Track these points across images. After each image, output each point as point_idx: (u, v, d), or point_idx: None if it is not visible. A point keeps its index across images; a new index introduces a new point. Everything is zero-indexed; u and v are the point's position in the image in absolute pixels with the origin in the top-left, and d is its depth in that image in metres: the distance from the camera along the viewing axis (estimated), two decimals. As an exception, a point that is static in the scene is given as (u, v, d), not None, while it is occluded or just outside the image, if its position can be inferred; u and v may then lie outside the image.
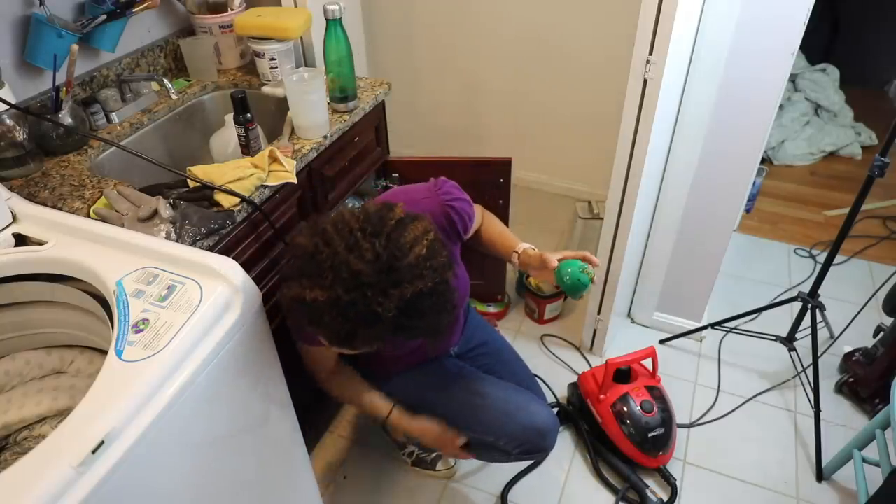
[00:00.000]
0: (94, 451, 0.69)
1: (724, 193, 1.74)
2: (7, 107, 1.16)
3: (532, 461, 1.67)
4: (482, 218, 1.36)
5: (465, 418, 1.33)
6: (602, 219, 1.75)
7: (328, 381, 1.31)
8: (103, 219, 1.10)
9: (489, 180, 1.77)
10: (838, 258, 1.79)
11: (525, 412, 1.31)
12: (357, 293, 0.86)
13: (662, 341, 2.05)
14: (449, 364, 1.42)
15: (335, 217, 0.94)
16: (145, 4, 1.45)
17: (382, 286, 0.86)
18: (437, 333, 0.97)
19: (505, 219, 1.86)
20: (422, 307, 0.89)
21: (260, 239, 1.32)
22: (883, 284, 1.92)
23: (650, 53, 1.36)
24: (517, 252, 1.27)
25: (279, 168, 1.29)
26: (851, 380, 1.84)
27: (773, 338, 1.92)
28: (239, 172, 1.22)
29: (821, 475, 1.66)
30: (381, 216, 0.93)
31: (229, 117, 1.38)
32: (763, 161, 2.94)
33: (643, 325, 2.12)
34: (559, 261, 1.17)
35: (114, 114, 1.45)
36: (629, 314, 2.15)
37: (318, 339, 1.08)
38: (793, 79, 3.18)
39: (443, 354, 1.43)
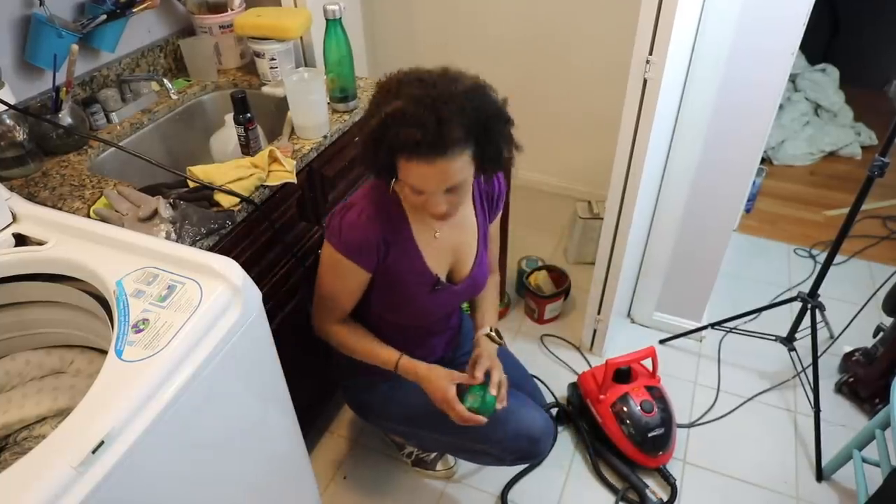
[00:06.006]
0: (93, 452, 0.69)
1: (723, 193, 1.74)
2: (7, 107, 1.16)
3: (528, 465, 1.67)
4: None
5: (455, 428, 1.28)
6: (602, 219, 1.75)
7: (338, 329, 1.28)
8: (103, 219, 1.10)
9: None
10: (838, 258, 1.79)
11: (515, 418, 1.29)
12: (426, 88, 1.00)
13: (662, 341, 2.05)
14: None
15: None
16: (145, 4, 1.44)
17: (446, 82, 1.02)
18: (505, 123, 1.12)
19: (505, 219, 1.86)
20: (484, 90, 1.08)
21: (260, 239, 1.32)
22: (883, 284, 1.91)
23: (650, 53, 1.36)
24: (477, 335, 1.35)
25: (279, 168, 1.29)
26: (851, 380, 1.84)
27: (773, 338, 1.92)
28: (239, 172, 1.22)
29: (821, 475, 1.66)
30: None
31: (229, 117, 1.38)
32: (763, 161, 2.94)
33: (643, 325, 2.12)
34: (468, 386, 1.23)
35: (114, 114, 1.45)
36: (629, 314, 2.15)
37: (362, 250, 1.16)
38: (793, 79, 3.18)
39: (435, 347, 1.42)
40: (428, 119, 0.96)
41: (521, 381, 1.46)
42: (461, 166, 1.03)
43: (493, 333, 1.34)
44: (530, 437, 1.31)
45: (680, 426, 1.78)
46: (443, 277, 1.27)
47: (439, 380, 1.22)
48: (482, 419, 1.20)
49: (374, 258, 1.17)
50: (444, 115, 0.97)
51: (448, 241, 1.25)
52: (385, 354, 1.28)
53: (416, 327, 1.34)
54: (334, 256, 1.17)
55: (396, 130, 0.98)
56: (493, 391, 1.21)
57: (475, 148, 1.04)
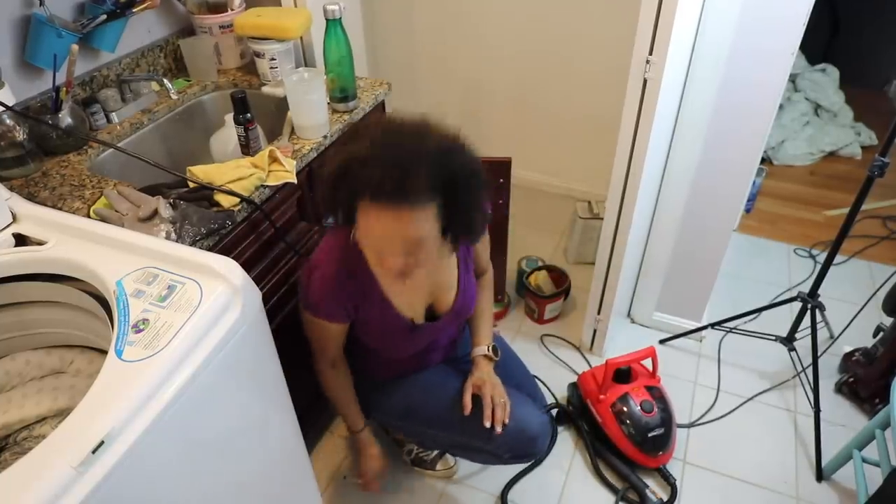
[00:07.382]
0: (93, 452, 0.69)
1: (723, 193, 1.74)
2: (5, 108, 1.16)
3: (526, 464, 1.67)
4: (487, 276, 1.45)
5: (452, 424, 1.32)
6: (602, 219, 1.75)
7: (327, 371, 1.33)
8: (103, 219, 1.10)
9: (489, 180, 1.76)
10: (838, 258, 1.79)
11: (513, 416, 1.29)
12: (396, 138, 0.99)
13: (662, 341, 2.05)
14: (438, 371, 1.42)
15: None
16: (145, 4, 1.44)
17: (419, 135, 0.99)
18: (479, 189, 1.06)
19: (505, 219, 1.86)
20: (460, 150, 1.02)
21: (260, 239, 1.32)
22: (883, 284, 1.91)
23: (650, 53, 1.36)
24: (473, 354, 1.38)
25: (279, 168, 1.29)
26: (851, 380, 1.84)
27: (773, 338, 1.92)
28: (239, 172, 1.22)
29: (821, 475, 1.66)
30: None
31: (229, 117, 1.38)
32: (763, 161, 2.94)
33: (643, 325, 2.12)
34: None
35: (114, 114, 1.45)
36: (629, 314, 2.15)
37: (331, 311, 1.17)
38: (793, 79, 3.18)
39: (432, 361, 1.43)
40: (392, 171, 0.94)
41: (522, 381, 1.48)
42: (423, 221, 0.99)
43: (490, 353, 1.37)
44: (527, 435, 1.31)
45: (680, 426, 1.78)
46: (419, 319, 1.28)
47: (374, 459, 1.44)
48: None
49: (344, 314, 1.21)
50: (407, 167, 0.95)
51: (422, 281, 1.24)
52: (353, 417, 1.39)
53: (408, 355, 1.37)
54: (307, 316, 1.22)
55: (359, 170, 0.96)
56: (487, 412, 1.27)
57: (441, 207, 1.00)
